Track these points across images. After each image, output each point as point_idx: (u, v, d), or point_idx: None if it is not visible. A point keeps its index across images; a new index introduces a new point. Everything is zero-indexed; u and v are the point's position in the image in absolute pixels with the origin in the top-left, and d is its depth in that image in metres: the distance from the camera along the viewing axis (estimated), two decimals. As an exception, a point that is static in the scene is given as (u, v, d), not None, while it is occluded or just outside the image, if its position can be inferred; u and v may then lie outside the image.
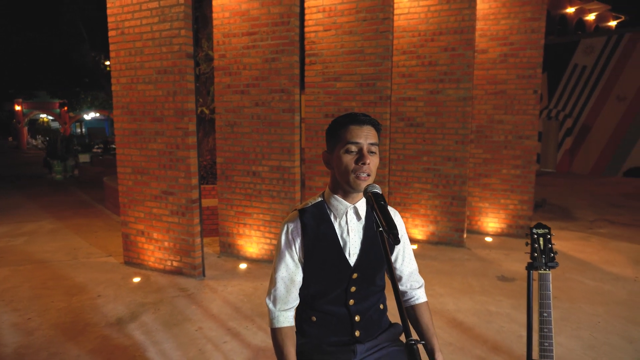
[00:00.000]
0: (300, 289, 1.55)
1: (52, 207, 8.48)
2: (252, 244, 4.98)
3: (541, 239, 1.64)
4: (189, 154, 4.29)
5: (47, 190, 10.73)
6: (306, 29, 5.14)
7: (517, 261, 5.07)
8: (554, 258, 1.62)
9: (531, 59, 5.73)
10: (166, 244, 4.57)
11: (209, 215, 5.87)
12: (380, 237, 1.23)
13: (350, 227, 1.51)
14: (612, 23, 29.01)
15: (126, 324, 3.50)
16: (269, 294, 1.54)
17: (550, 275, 1.62)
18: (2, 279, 4.49)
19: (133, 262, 4.84)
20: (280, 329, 1.49)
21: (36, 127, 36.07)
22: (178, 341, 3.22)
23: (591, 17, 27.81)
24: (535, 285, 1.69)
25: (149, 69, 4.39)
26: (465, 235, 5.63)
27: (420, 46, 5.48)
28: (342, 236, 1.51)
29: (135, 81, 4.48)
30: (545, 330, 1.59)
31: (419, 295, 1.63)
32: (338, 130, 1.46)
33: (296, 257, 1.52)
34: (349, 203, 1.51)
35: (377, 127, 1.48)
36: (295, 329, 1.55)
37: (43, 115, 38.32)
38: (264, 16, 4.58)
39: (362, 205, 1.52)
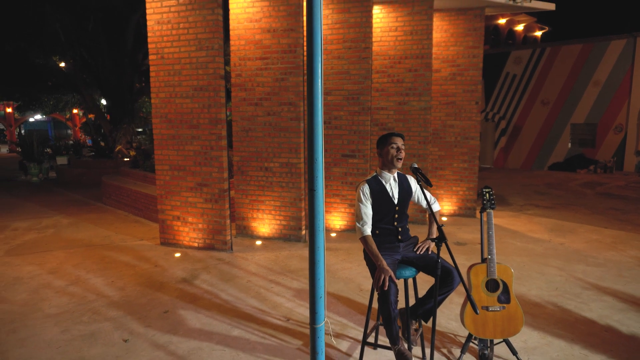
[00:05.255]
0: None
1: (52, 205, 9.19)
2: (265, 225, 6.23)
3: (487, 193, 3.08)
4: (221, 153, 5.49)
5: (33, 192, 11.23)
6: (303, 54, 6.45)
7: (467, 233, 6.67)
8: (494, 203, 3.08)
9: (473, 77, 7.39)
10: (200, 225, 5.73)
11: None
12: (420, 187, 2.68)
13: (392, 186, 3.00)
14: (538, 33, 32.45)
15: (191, 281, 4.67)
16: (358, 221, 2.92)
17: (492, 213, 3.08)
18: (64, 259, 5.46)
19: (169, 242, 5.95)
20: (368, 235, 2.90)
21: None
22: (238, 288, 4.45)
23: (520, 27, 30.96)
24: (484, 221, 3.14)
25: (186, 87, 5.53)
26: (427, 215, 7.18)
27: (390, 67, 6.96)
28: (389, 190, 2.97)
29: (174, 96, 5.61)
30: (490, 240, 3.04)
31: (435, 206, 3.12)
32: (387, 139, 2.93)
33: (368, 202, 2.93)
34: (390, 175, 2.99)
35: (403, 137, 2.93)
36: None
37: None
38: (275, 45, 5.85)
39: (396, 175, 3.01)
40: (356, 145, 6.45)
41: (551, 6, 7.56)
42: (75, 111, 33.60)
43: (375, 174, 3.06)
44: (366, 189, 2.96)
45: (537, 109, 16.75)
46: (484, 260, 3.10)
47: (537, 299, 4.16)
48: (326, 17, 6.27)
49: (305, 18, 5.75)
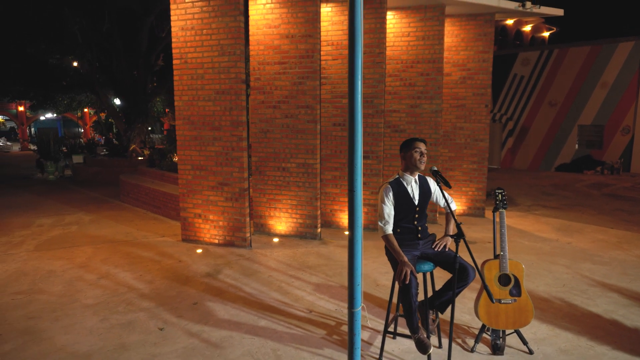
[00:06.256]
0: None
1: (71, 203, 9.48)
2: (282, 223, 6.48)
3: (500, 194, 3.31)
4: (242, 154, 5.74)
5: (51, 190, 11.54)
6: (318, 58, 6.69)
7: (476, 232, 6.88)
8: (506, 203, 3.30)
9: (483, 81, 7.59)
10: (221, 223, 5.98)
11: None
12: (439, 188, 2.92)
13: (413, 187, 3.22)
14: (546, 34, 32.47)
15: (215, 275, 4.93)
16: (380, 221, 3.15)
17: (505, 212, 3.30)
18: (92, 254, 5.73)
19: (190, 239, 6.21)
20: (390, 234, 3.13)
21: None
22: (260, 282, 4.70)
23: (527, 28, 31.01)
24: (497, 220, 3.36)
25: (208, 90, 5.78)
26: (437, 215, 7.41)
27: (403, 71, 7.18)
28: (410, 192, 3.19)
29: (197, 99, 5.86)
30: (502, 238, 3.26)
31: (453, 205, 3.32)
32: (411, 143, 3.16)
33: (391, 204, 3.16)
34: (412, 177, 3.21)
35: (425, 142, 3.18)
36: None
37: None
38: (293, 51, 6.09)
39: (417, 177, 3.24)
40: (370, 147, 6.68)
41: (559, 12, 7.74)
42: (85, 110, 34.06)
43: (397, 176, 3.27)
44: (389, 191, 3.18)
45: (545, 110, 16.88)
46: (496, 256, 3.32)
47: (545, 294, 4.37)
48: (341, 23, 6.50)
49: (320, 24, 6.00)
